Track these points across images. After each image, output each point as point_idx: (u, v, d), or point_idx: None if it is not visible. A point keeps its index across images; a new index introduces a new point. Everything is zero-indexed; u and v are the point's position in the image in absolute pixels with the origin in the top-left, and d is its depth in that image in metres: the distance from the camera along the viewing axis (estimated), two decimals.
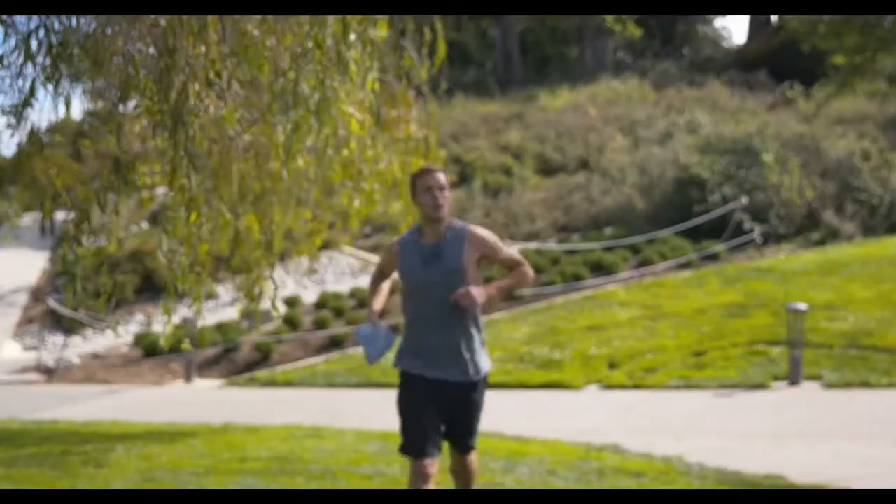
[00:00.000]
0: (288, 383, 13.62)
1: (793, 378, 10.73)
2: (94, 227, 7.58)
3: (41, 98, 5.68)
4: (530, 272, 5.02)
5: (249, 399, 12.91)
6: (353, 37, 5.48)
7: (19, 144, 5.93)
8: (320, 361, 14.81)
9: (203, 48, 5.25)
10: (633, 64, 33.70)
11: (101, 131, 5.63)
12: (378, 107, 6.20)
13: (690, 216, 18.63)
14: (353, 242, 19.11)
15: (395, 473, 7.15)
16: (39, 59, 5.33)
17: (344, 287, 18.05)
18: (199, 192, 6.19)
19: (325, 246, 8.70)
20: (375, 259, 19.12)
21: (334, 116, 6.07)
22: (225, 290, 18.41)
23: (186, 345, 12.46)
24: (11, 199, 25.32)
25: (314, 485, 7.01)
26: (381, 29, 6.51)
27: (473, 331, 4.96)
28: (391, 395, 5.25)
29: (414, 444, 4.87)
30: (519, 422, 9.61)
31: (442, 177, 4.88)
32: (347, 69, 5.53)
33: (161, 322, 9.48)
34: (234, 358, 15.43)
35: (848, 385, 10.46)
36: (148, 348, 15.97)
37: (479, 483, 6.67)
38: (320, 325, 16.23)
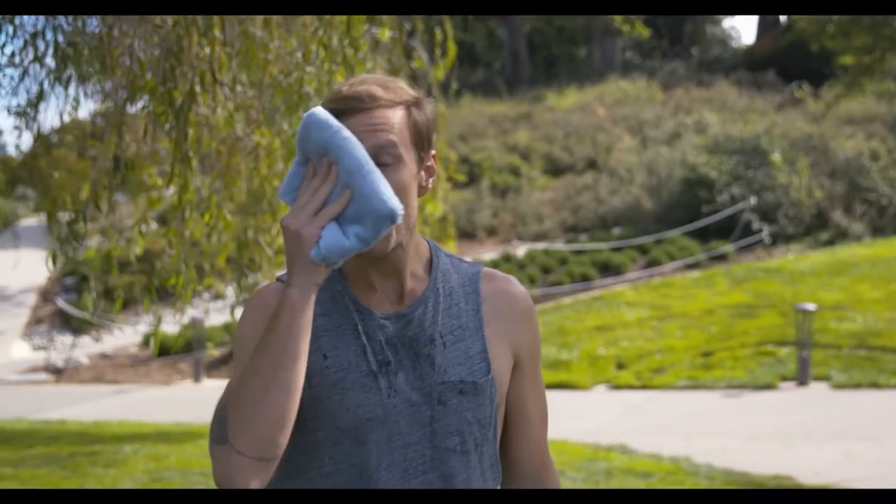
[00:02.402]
0: None
1: (801, 378, 10.71)
2: (103, 227, 7.61)
3: (50, 99, 5.66)
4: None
5: None
6: (353, 40, 5.47)
7: (29, 145, 5.95)
8: None
9: (208, 49, 5.25)
10: (642, 64, 33.65)
11: (108, 132, 5.64)
12: None
13: (699, 216, 18.60)
14: None
15: None
16: (48, 60, 5.34)
17: None
18: (211, 193, 6.20)
19: None
20: None
21: None
22: (233, 291, 18.43)
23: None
24: (26, 200, 25.42)
25: None
26: (384, 29, 6.50)
27: None
28: None
29: None
30: None
31: (380, 124, 1.78)
32: (353, 71, 5.53)
33: (170, 322, 9.49)
34: None
35: (857, 386, 10.44)
36: (157, 348, 15.98)
37: None
38: None
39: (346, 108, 1.77)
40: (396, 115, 1.79)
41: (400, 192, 1.75)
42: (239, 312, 7.80)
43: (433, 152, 1.87)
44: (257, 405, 1.69)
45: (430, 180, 1.87)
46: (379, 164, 1.73)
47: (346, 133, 1.69)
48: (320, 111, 1.72)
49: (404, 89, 1.83)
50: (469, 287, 1.92)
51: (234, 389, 1.73)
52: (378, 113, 1.77)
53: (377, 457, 1.80)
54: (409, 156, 1.79)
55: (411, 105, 1.82)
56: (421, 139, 1.83)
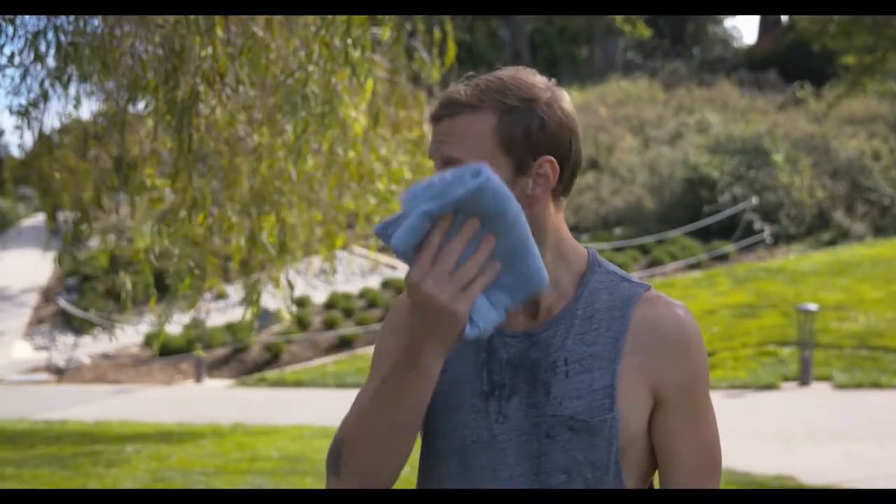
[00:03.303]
0: (297, 383, 13.63)
1: (803, 378, 10.70)
2: (106, 227, 7.62)
3: (51, 98, 5.67)
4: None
5: (259, 399, 12.93)
6: (351, 39, 5.47)
7: (30, 145, 5.97)
8: (330, 361, 14.82)
9: (210, 49, 5.25)
10: (643, 64, 33.66)
11: (109, 132, 5.64)
12: (376, 108, 6.18)
13: (700, 216, 18.60)
14: (365, 243, 19.12)
15: (404, 473, 7.16)
16: (49, 60, 5.34)
17: (354, 287, 18.06)
18: (208, 194, 6.20)
19: (335, 246, 8.76)
20: (387, 260, 19.13)
21: (341, 118, 6.07)
22: (234, 291, 18.45)
23: (199, 350, 12.56)
24: (26, 200, 25.43)
25: (323, 485, 7.01)
26: (386, 28, 6.50)
27: None
28: None
29: None
30: None
31: (446, 134, 1.66)
32: (354, 71, 5.52)
33: (172, 323, 9.52)
34: (243, 358, 15.46)
35: (858, 385, 10.43)
36: (158, 348, 16.00)
37: None
38: (330, 325, 16.26)
39: (434, 115, 1.66)
40: (477, 121, 1.62)
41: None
42: (243, 311, 7.80)
43: (548, 158, 1.63)
44: (373, 456, 1.67)
45: (540, 188, 1.64)
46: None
47: (517, 206, 1.54)
48: (496, 179, 1.52)
49: (499, 91, 1.64)
50: (617, 311, 1.69)
51: (355, 429, 1.68)
52: (451, 122, 1.63)
53: (480, 485, 1.67)
54: (489, 163, 1.56)
55: (502, 108, 1.63)
56: (513, 145, 1.62)
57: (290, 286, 7.87)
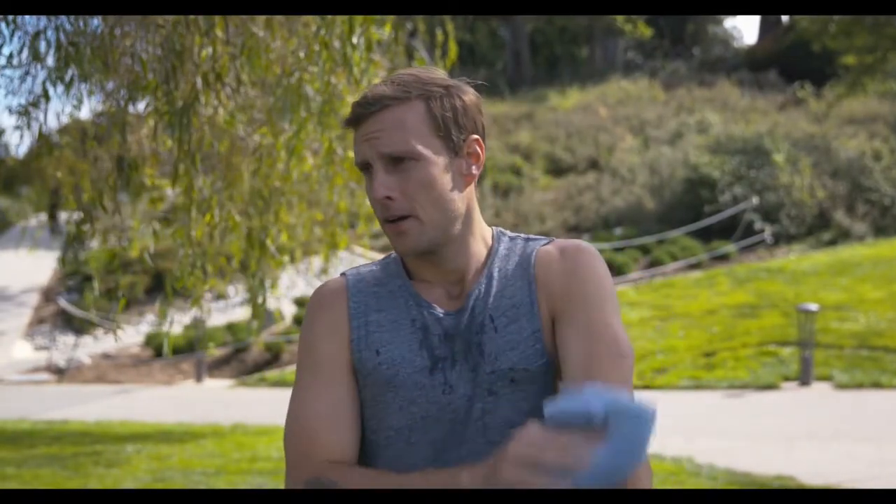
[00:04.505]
0: None
1: (803, 379, 10.70)
2: (107, 227, 7.62)
3: (51, 98, 5.65)
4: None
5: (259, 399, 12.92)
6: (355, 39, 5.46)
7: (30, 145, 5.97)
8: None
9: (210, 49, 5.25)
10: (643, 64, 33.65)
11: (109, 132, 5.64)
12: None
13: (701, 216, 18.60)
14: (364, 243, 19.12)
15: None
16: (49, 60, 5.35)
17: None
18: (212, 194, 6.20)
19: (335, 246, 8.76)
20: None
21: (340, 117, 6.07)
22: (235, 291, 18.45)
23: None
24: (22, 200, 25.42)
25: None
26: (385, 29, 6.50)
27: None
28: None
29: None
30: None
31: (376, 131, 1.68)
32: (352, 71, 5.52)
33: (170, 323, 9.52)
34: (243, 358, 15.46)
35: (859, 386, 10.43)
36: (158, 348, 16.01)
37: None
38: None
39: (354, 116, 1.70)
40: (409, 111, 1.68)
41: (423, 188, 1.68)
42: (245, 311, 7.79)
43: (474, 137, 1.74)
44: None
45: (474, 167, 1.75)
46: (397, 165, 1.67)
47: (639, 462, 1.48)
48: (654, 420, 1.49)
49: (419, 82, 1.70)
50: (525, 263, 1.76)
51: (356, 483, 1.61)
52: (381, 117, 1.67)
53: (433, 458, 1.68)
54: (430, 149, 1.68)
55: (428, 95, 1.70)
56: (446, 128, 1.70)
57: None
